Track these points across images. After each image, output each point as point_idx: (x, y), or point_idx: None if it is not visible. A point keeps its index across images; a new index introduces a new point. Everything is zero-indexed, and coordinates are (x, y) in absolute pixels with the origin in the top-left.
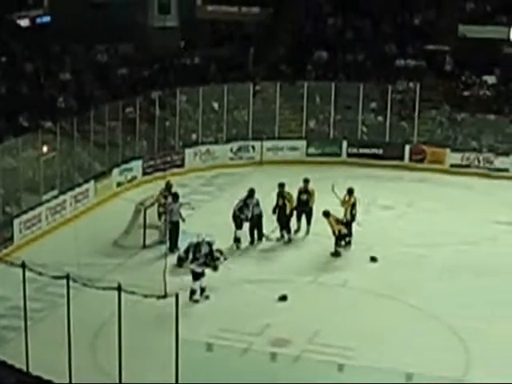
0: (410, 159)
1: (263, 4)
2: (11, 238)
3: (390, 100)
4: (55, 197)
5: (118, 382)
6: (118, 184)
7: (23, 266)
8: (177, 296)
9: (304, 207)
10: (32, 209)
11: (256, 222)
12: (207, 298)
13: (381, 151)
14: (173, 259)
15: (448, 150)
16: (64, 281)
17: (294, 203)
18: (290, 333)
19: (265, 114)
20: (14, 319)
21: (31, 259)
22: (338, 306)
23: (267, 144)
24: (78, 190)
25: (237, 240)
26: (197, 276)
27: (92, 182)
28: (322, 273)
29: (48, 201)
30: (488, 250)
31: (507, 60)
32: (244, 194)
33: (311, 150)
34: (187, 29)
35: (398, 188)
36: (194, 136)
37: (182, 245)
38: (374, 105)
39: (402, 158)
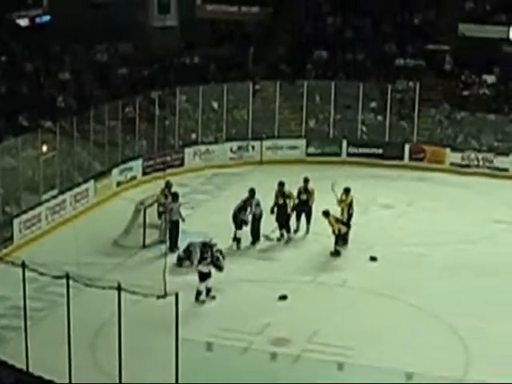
0: (410, 158)
1: (263, 3)
2: (11, 238)
3: (390, 99)
4: (55, 196)
5: (117, 381)
6: (118, 183)
7: (23, 265)
8: (177, 296)
9: (304, 206)
10: (32, 208)
11: (257, 223)
12: (213, 298)
13: (381, 151)
14: (173, 259)
15: (448, 150)
16: (64, 280)
17: (296, 200)
18: (289, 332)
19: (264, 114)
20: (13, 319)
21: (31, 259)
22: (338, 306)
23: (267, 143)
24: (77, 189)
25: (237, 240)
26: (204, 277)
27: (92, 182)
28: (322, 272)
29: (48, 200)
30: (488, 250)
31: (507, 59)
32: (244, 193)
33: (311, 150)
34: (187, 28)
35: (398, 187)
36: (193, 135)
37: (182, 244)
38: (373, 104)
39: (401, 158)
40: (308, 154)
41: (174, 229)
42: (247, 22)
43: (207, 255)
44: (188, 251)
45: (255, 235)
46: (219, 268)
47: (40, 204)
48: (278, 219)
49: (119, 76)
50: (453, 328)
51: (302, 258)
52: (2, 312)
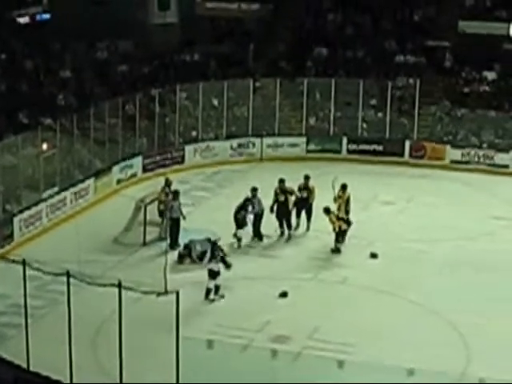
0: (410, 155)
1: (263, 0)
2: (11, 236)
3: (390, 96)
4: (55, 194)
5: (118, 380)
6: (118, 181)
7: (24, 263)
8: (177, 293)
9: (304, 204)
10: (32, 206)
11: (259, 220)
12: (222, 297)
13: (381, 147)
14: (173, 256)
15: (448, 146)
16: (64, 278)
17: (298, 195)
18: (290, 329)
19: (265, 111)
20: (14, 317)
21: (31, 256)
22: (339, 303)
23: (267, 140)
24: (78, 187)
25: (238, 239)
26: (214, 275)
27: (92, 179)
28: (323, 269)
29: (48, 198)
30: (488, 246)
31: (507, 56)
32: (244, 190)
33: (311, 147)
34: (187, 25)
35: (399, 184)
36: (194, 132)
37: (183, 242)
38: (373, 101)
39: (402, 154)
40: (308, 151)
41: (174, 226)
42: (247, 19)
43: (217, 253)
44: (188, 249)
45: (257, 234)
46: (227, 266)
47: (40, 202)
48: (278, 216)
49: (119, 73)
50: (453, 324)
51: (302, 255)
52: (3, 310)
